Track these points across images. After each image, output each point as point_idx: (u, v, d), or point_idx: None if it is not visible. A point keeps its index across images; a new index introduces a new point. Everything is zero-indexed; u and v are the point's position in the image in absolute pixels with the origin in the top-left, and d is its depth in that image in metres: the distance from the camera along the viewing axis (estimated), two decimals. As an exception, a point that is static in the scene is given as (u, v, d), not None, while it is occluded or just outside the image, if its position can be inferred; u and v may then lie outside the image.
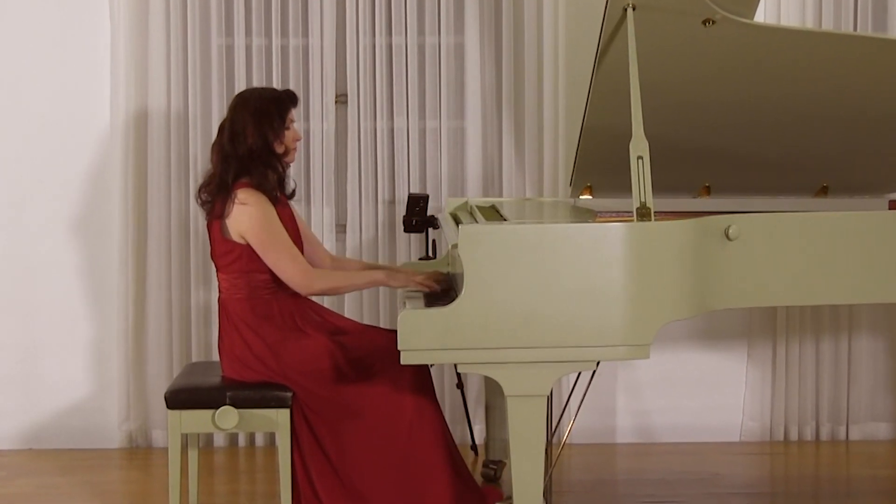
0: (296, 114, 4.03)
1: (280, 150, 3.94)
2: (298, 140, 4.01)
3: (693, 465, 4.98)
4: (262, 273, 3.89)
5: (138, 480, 4.85)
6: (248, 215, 3.83)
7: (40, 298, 5.22)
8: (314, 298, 4.05)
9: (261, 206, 3.84)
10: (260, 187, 3.87)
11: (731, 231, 3.69)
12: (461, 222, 3.92)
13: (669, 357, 5.27)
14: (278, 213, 3.90)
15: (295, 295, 3.98)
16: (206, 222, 4.00)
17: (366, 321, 5.08)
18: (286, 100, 3.98)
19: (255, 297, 3.91)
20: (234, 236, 3.87)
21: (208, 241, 4.02)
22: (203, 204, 3.96)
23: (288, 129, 3.95)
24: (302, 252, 4.00)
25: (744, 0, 4.02)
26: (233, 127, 3.91)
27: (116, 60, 5.10)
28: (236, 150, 3.88)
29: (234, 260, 3.90)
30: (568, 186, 4.68)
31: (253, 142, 3.88)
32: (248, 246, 3.87)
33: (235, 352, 3.91)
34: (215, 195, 3.90)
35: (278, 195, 3.94)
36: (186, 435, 4.00)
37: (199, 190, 3.98)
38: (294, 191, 4.07)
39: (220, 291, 3.99)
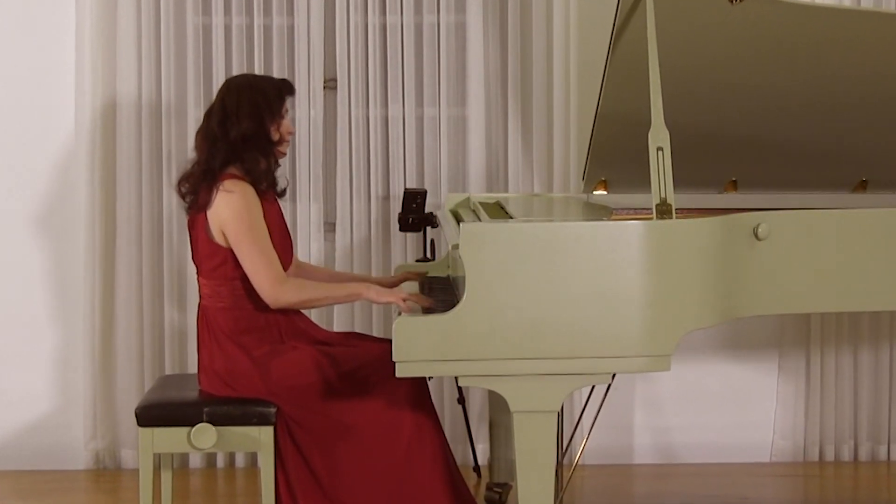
0: (290, 105, 4.03)
1: (275, 137, 3.93)
2: (292, 133, 4.01)
3: (719, 487, 4.99)
4: (247, 281, 3.87)
5: (106, 505, 4.87)
6: (228, 203, 3.81)
7: (-2, 304, 5.23)
8: (304, 312, 4.04)
9: (245, 197, 3.83)
10: (249, 174, 3.86)
11: (760, 230, 3.69)
12: (462, 220, 3.92)
13: (692, 369, 5.27)
14: (265, 209, 3.89)
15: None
16: (187, 218, 3.99)
17: (357, 329, 5.08)
18: (283, 87, 3.98)
19: (240, 308, 3.90)
20: (216, 234, 3.86)
21: (188, 240, 4.01)
22: (184, 196, 3.95)
23: (282, 118, 3.96)
24: (291, 254, 4.01)
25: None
26: (224, 108, 3.90)
27: (82, 42, 5.10)
28: (227, 134, 3.87)
29: (219, 265, 3.89)
30: (580, 181, 4.68)
31: (248, 125, 3.87)
32: (232, 250, 3.87)
33: (215, 366, 3.91)
34: (199, 184, 3.89)
35: (266, 188, 3.93)
36: (159, 455, 4.00)
37: (180, 181, 3.96)
38: (285, 190, 4.07)
39: (200, 297, 3.99)
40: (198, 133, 3.98)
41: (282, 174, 4.04)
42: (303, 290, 3.89)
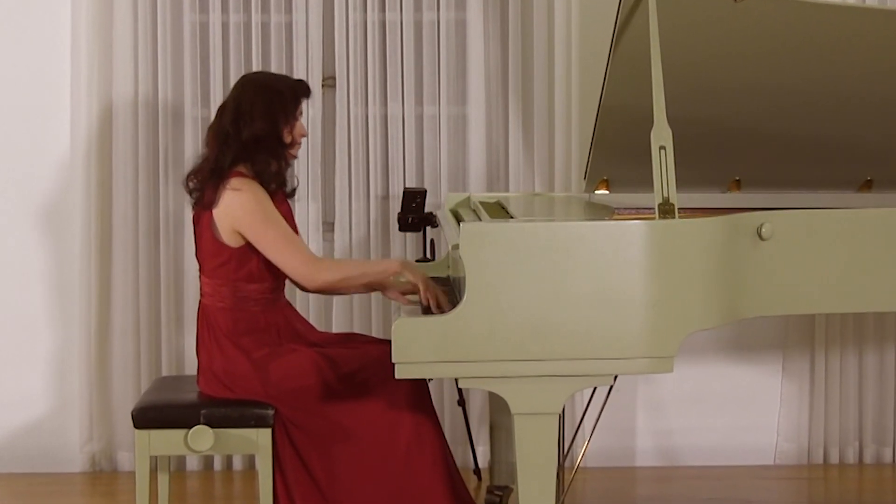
0: (305, 107, 4.03)
1: (287, 139, 3.94)
2: (304, 136, 4.02)
3: (722, 491, 4.98)
4: (250, 283, 3.88)
5: (102, 508, 4.87)
6: (240, 202, 3.82)
7: (-7, 305, 5.23)
8: (302, 314, 4.05)
9: (254, 192, 3.84)
10: (259, 176, 3.87)
11: (764, 230, 3.69)
12: (463, 220, 3.92)
13: (695, 371, 5.27)
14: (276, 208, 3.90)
15: (284, 309, 3.96)
16: (192, 214, 3.99)
17: (356, 329, 5.08)
18: (299, 88, 3.98)
19: (240, 310, 3.90)
20: (224, 233, 3.86)
21: (192, 237, 4.00)
22: (191, 192, 3.95)
23: (296, 120, 3.96)
24: None
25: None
26: (238, 107, 3.90)
27: (77, 40, 5.09)
28: (239, 134, 3.87)
29: (222, 264, 3.89)
30: (582, 180, 4.68)
31: (260, 126, 3.87)
32: (239, 250, 3.86)
33: (214, 367, 3.91)
34: (206, 182, 3.89)
35: (276, 189, 3.93)
36: (156, 457, 3.99)
37: (188, 176, 3.97)
38: (294, 190, 4.07)
39: (202, 296, 3.99)
40: (209, 129, 3.98)
41: (292, 174, 4.03)
42: (339, 268, 3.92)
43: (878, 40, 4.09)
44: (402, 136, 5.19)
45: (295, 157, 4.00)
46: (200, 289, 4.00)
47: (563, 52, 5.11)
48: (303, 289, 3.92)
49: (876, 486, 5.09)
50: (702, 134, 4.30)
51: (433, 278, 4.37)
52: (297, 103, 3.96)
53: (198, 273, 4.01)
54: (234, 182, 3.84)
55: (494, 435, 4.66)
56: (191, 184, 3.95)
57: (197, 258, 4.00)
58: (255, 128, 3.87)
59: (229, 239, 3.87)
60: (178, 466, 5.17)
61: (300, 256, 3.84)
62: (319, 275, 3.84)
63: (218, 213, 3.86)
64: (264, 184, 3.87)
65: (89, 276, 5.13)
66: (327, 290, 3.94)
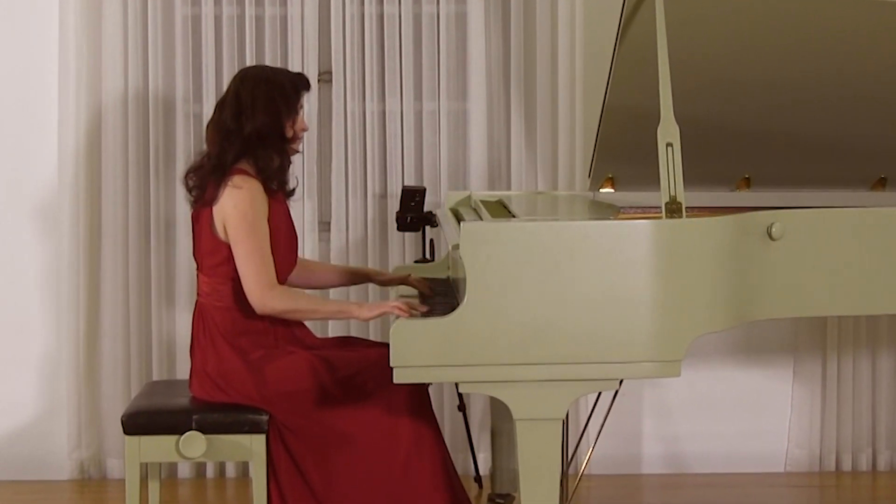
0: (305, 101, 4.03)
1: (289, 134, 3.94)
2: (305, 130, 4.02)
3: (731, 499, 4.98)
4: None
5: (91, 517, 4.87)
6: (235, 200, 3.82)
7: (-22, 307, 5.22)
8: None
9: (252, 194, 3.84)
10: (262, 173, 3.87)
11: (774, 229, 3.68)
12: (463, 219, 3.92)
13: (703, 375, 5.27)
14: (273, 208, 3.90)
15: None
16: (191, 212, 3.99)
17: (353, 334, 5.07)
18: (299, 82, 3.99)
19: (239, 309, 3.90)
20: (220, 229, 3.86)
21: (192, 235, 4.00)
22: (191, 190, 3.96)
23: (297, 114, 3.96)
24: (296, 255, 4.02)
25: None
26: (239, 102, 3.90)
27: (66, 33, 5.09)
28: (241, 129, 3.88)
29: (221, 262, 3.89)
30: (586, 178, 4.68)
31: (263, 120, 3.88)
32: None
33: (207, 368, 3.91)
34: (207, 178, 3.89)
35: (277, 188, 3.93)
36: (146, 465, 3.99)
37: (188, 173, 3.97)
38: (294, 190, 4.07)
39: (198, 295, 3.99)
40: (209, 125, 3.98)
41: (291, 175, 4.03)
42: (291, 300, 3.89)
43: (892, 35, 4.09)
44: (401, 133, 5.19)
45: (297, 151, 4.01)
46: (198, 288, 4.00)
47: (566, 45, 5.10)
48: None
49: (890, 493, 5.09)
50: (710, 131, 4.30)
51: (431, 279, 4.38)
52: (299, 97, 3.97)
53: (190, 275, 4.02)
54: (237, 180, 3.84)
55: (496, 441, 4.65)
56: (190, 181, 3.95)
57: (195, 257, 4.01)
58: (258, 122, 3.88)
59: (224, 231, 3.87)
60: (169, 474, 5.17)
61: (262, 278, 3.83)
62: (269, 301, 3.84)
63: (218, 209, 3.86)
64: (267, 181, 3.88)
65: (78, 277, 5.12)
66: (276, 315, 3.93)
